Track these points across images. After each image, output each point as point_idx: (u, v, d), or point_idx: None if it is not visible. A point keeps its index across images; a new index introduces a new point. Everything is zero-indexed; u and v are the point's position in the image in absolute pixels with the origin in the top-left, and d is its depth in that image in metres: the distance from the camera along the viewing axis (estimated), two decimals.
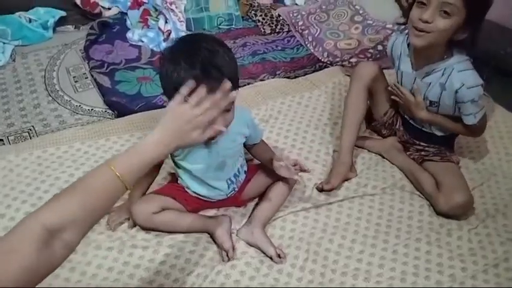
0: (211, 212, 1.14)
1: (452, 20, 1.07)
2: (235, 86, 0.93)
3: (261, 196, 1.15)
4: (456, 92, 1.14)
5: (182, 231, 1.07)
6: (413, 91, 1.24)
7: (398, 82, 1.29)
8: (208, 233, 1.08)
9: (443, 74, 1.16)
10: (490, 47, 1.92)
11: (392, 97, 1.30)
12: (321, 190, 1.21)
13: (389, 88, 1.30)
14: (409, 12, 1.14)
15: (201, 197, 1.11)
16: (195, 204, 1.11)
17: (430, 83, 1.18)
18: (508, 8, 2.04)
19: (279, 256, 1.03)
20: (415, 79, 1.22)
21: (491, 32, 2.11)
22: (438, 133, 1.28)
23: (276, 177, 1.13)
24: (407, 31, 1.22)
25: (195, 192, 1.10)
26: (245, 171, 1.16)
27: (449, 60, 1.15)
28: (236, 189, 1.13)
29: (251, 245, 1.06)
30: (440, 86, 1.17)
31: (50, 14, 1.91)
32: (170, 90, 0.89)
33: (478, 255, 1.07)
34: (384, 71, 1.35)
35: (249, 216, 1.12)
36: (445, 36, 1.10)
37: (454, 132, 1.29)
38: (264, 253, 1.04)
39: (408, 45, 1.23)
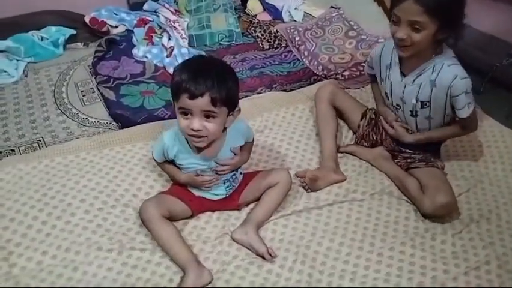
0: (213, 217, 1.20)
1: (425, 33, 1.12)
2: (231, 106, 1.06)
3: (256, 200, 1.22)
4: (450, 86, 1.16)
5: (166, 252, 1.09)
6: (390, 122, 1.34)
7: (385, 92, 1.35)
8: (183, 272, 1.05)
9: (433, 71, 1.19)
10: (486, 59, 1.98)
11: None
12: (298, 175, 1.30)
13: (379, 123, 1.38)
14: None
15: (203, 197, 1.18)
16: (198, 205, 1.19)
17: (421, 84, 1.22)
18: (503, 20, 2.10)
19: (270, 255, 1.08)
20: (405, 86, 1.26)
21: (486, 44, 2.17)
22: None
23: (271, 183, 1.20)
24: None
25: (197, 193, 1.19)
26: (241, 172, 1.23)
27: (439, 58, 1.19)
28: (235, 186, 1.20)
29: (244, 245, 1.12)
30: (431, 83, 1.20)
31: (61, 33, 2.04)
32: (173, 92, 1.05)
33: (460, 258, 1.11)
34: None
35: (245, 219, 1.18)
36: (425, 44, 1.15)
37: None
38: (256, 252, 1.10)
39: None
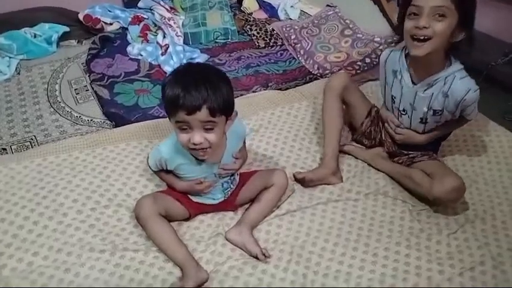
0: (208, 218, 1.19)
1: (447, 22, 1.12)
2: (229, 112, 1.04)
3: (252, 200, 1.21)
4: (463, 99, 1.18)
5: (162, 251, 1.08)
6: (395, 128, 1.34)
7: (392, 97, 1.33)
8: (182, 271, 1.04)
9: (445, 83, 1.20)
10: (481, 59, 1.98)
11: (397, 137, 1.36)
12: (294, 178, 1.28)
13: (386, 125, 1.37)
14: (401, 27, 1.20)
15: (202, 202, 1.17)
16: (196, 208, 1.17)
17: (433, 94, 1.22)
18: (499, 20, 2.10)
19: (264, 255, 1.07)
20: (416, 93, 1.25)
21: (482, 44, 2.17)
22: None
23: (267, 184, 1.19)
24: (403, 45, 1.26)
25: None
26: (237, 173, 1.22)
27: (449, 69, 1.19)
28: (232, 188, 1.19)
29: (238, 245, 1.11)
30: (443, 94, 1.21)
31: (54, 30, 2.01)
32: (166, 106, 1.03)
33: (455, 258, 1.11)
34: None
35: (239, 220, 1.17)
36: (443, 40, 1.14)
37: (440, 139, 1.35)
38: (249, 253, 1.09)
39: (406, 59, 1.27)
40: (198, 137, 1.00)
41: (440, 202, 1.20)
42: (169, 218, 1.13)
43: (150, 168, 1.19)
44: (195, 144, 1.01)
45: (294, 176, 1.30)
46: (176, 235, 1.09)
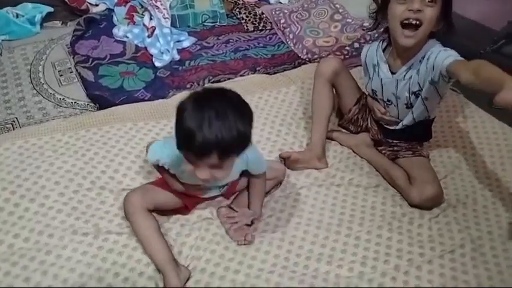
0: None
1: (436, 8, 1.11)
2: (244, 149, 0.93)
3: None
4: (434, 59, 1.11)
5: (143, 248, 1.04)
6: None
7: (372, 91, 1.33)
8: (162, 275, 1.00)
9: (421, 62, 1.17)
10: (471, 46, 1.98)
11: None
12: (280, 157, 1.28)
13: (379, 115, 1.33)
14: (383, 13, 1.19)
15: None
16: (190, 200, 1.14)
17: (411, 76, 1.20)
18: (488, 7, 2.10)
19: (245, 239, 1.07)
20: (397, 81, 1.24)
21: (471, 31, 2.17)
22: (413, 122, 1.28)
23: (267, 177, 1.16)
24: (381, 39, 1.26)
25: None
26: None
27: (425, 47, 1.17)
28: (229, 185, 1.16)
29: (230, 218, 1.10)
30: (417, 71, 1.18)
31: (38, 10, 1.96)
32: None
33: (436, 241, 1.12)
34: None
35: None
36: (430, 28, 1.13)
37: (428, 122, 1.31)
38: (236, 233, 1.08)
39: (384, 50, 1.27)
40: (203, 174, 0.92)
41: (417, 207, 1.20)
42: (162, 211, 1.10)
43: (149, 160, 1.12)
44: (199, 178, 0.94)
45: (280, 155, 1.29)
46: (158, 232, 1.04)
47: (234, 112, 0.88)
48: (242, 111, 0.91)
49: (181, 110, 0.90)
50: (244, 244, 1.08)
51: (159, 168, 1.10)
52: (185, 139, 0.89)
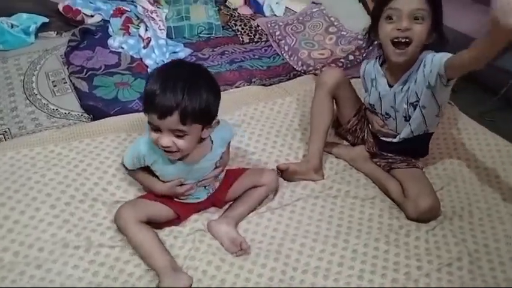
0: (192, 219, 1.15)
1: (425, 24, 1.13)
2: (207, 122, 0.99)
3: (238, 197, 1.18)
4: (431, 63, 1.12)
5: (142, 259, 1.04)
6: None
7: (370, 105, 1.33)
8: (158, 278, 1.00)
9: (417, 71, 1.18)
10: None
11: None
12: (277, 169, 1.28)
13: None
14: (374, 31, 1.20)
15: (186, 202, 1.14)
16: (183, 209, 1.13)
17: (409, 87, 1.21)
18: (480, 21, 2.13)
19: (242, 249, 1.05)
20: (395, 94, 1.24)
21: (464, 45, 2.21)
22: (411, 135, 1.28)
23: (257, 184, 1.18)
24: (375, 55, 1.26)
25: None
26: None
27: (420, 57, 1.18)
28: (215, 187, 1.16)
29: (219, 237, 1.09)
30: (415, 80, 1.19)
31: (33, 20, 1.95)
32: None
33: (433, 254, 1.11)
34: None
35: (224, 215, 1.15)
36: (421, 43, 1.14)
37: (426, 137, 1.31)
38: (229, 246, 1.07)
39: (381, 65, 1.28)
40: (165, 140, 0.97)
41: (415, 221, 1.19)
42: (154, 223, 1.09)
43: (125, 168, 1.13)
44: (162, 146, 0.98)
45: (277, 167, 1.28)
46: (156, 241, 1.03)
47: (201, 81, 0.96)
48: (210, 83, 0.98)
49: (151, 73, 0.97)
50: (241, 255, 1.06)
51: (137, 174, 1.12)
52: (149, 97, 0.94)
